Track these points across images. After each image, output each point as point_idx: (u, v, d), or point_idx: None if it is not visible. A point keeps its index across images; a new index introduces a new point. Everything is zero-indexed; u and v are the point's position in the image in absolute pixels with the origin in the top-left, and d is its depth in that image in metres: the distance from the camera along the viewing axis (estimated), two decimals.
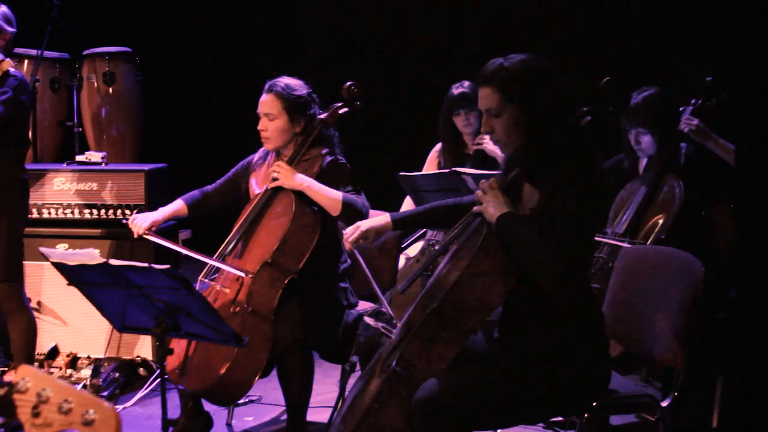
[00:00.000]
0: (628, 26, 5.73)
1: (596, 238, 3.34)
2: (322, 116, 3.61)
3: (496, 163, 4.34)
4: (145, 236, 3.63)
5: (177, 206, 3.76)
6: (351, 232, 2.94)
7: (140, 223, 3.64)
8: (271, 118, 3.58)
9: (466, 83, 4.68)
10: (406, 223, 2.99)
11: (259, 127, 3.59)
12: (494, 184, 2.63)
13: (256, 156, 3.77)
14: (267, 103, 3.58)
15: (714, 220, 3.90)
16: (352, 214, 3.41)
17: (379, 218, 2.96)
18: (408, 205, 4.67)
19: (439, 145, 4.85)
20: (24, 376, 1.56)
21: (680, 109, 4.01)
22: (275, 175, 3.51)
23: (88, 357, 4.36)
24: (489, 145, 4.45)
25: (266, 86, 3.61)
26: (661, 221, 3.82)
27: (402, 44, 6.45)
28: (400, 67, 6.45)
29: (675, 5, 5.45)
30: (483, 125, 2.64)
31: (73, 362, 4.33)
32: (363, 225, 2.94)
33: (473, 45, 6.15)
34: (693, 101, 4.01)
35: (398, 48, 6.46)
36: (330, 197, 3.45)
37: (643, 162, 4.06)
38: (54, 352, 4.36)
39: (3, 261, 3.89)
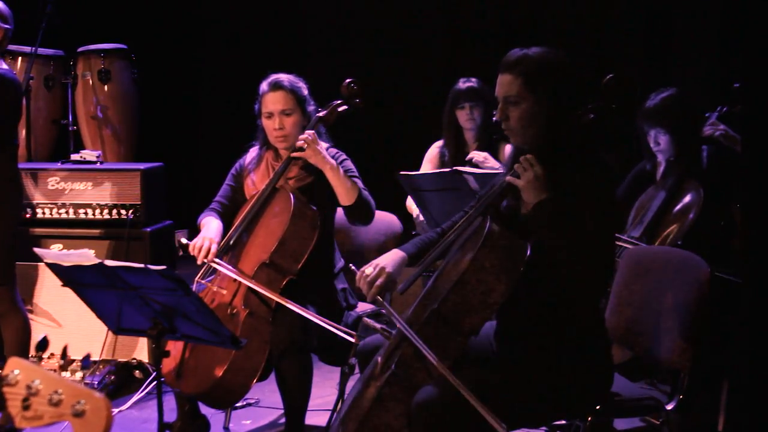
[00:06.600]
0: (631, 23, 5.71)
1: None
2: (322, 113, 3.57)
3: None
4: (210, 263, 3.40)
5: (220, 228, 3.54)
6: (373, 276, 2.70)
7: (206, 246, 3.40)
8: (288, 113, 3.52)
9: (474, 79, 4.64)
10: (420, 255, 2.80)
11: (275, 126, 3.51)
12: (533, 160, 2.54)
13: (248, 158, 3.70)
14: (280, 99, 3.52)
15: (736, 222, 3.79)
16: (362, 210, 3.37)
17: (393, 256, 2.77)
18: (410, 204, 4.62)
19: (437, 143, 4.81)
20: (13, 368, 1.54)
21: (706, 114, 3.95)
22: (302, 144, 3.39)
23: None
24: (486, 162, 4.41)
25: (268, 84, 3.55)
26: (678, 227, 3.75)
27: (401, 42, 6.42)
28: (399, 66, 6.42)
29: (679, 1, 5.43)
30: (498, 113, 2.63)
31: (66, 362, 4.28)
32: (387, 266, 2.72)
33: (474, 43, 6.12)
34: (719, 108, 3.95)
35: (398, 46, 6.43)
36: (348, 186, 3.38)
37: (662, 166, 3.98)
38: (44, 344, 4.30)
39: None
